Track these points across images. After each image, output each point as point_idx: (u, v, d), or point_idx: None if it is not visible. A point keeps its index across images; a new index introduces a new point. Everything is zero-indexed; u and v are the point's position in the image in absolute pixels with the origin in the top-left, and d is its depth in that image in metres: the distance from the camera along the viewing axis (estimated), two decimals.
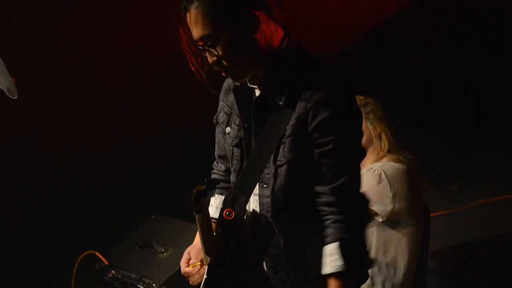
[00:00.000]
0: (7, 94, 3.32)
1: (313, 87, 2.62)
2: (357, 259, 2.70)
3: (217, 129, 3.03)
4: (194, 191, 2.62)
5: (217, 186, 3.13)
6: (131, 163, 7.14)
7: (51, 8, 6.16)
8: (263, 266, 2.91)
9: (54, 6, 6.18)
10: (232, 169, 2.93)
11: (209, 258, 2.79)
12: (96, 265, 4.98)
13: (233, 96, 2.88)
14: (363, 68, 7.24)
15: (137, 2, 6.84)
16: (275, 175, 2.72)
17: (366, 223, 2.79)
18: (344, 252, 2.66)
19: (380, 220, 3.90)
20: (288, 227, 2.76)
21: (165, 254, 4.77)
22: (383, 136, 4.01)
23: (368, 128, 3.98)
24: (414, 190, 3.98)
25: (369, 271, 2.95)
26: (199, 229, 2.77)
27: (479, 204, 5.88)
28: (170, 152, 7.25)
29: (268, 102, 2.70)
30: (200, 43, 2.63)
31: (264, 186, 2.77)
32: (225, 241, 2.77)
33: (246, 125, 2.82)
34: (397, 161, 3.97)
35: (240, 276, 2.86)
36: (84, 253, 5.05)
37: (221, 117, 2.96)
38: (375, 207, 3.84)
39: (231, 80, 2.88)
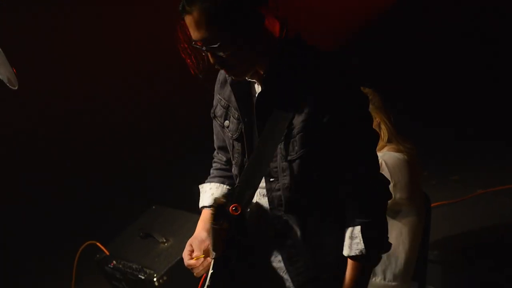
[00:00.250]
0: (8, 84, 3.32)
1: (318, 79, 2.62)
2: (378, 243, 2.77)
3: (214, 121, 3.02)
4: (214, 205, 2.58)
5: (218, 175, 3.13)
6: (132, 154, 7.16)
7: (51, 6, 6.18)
8: (270, 260, 2.91)
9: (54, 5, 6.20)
10: (233, 162, 2.93)
11: (214, 253, 2.79)
12: (97, 256, 4.99)
13: (229, 89, 2.86)
14: (360, 59, 7.24)
15: (136, 2, 6.86)
16: (289, 169, 2.71)
17: (387, 206, 2.80)
18: (366, 235, 2.70)
19: None
20: (304, 219, 2.77)
21: (166, 244, 4.77)
22: (383, 126, 4.01)
23: None
24: (415, 179, 3.98)
25: None
26: (212, 231, 2.77)
27: (480, 194, 5.89)
28: (171, 142, 7.26)
29: (271, 97, 2.69)
30: (203, 45, 2.58)
31: (272, 180, 2.77)
32: (231, 237, 2.76)
33: (246, 119, 2.81)
34: (397, 150, 3.97)
35: (245, 270, 2.86)
36: (85, 244, 5.05)
37: (219, 110, 2.94)
38: None
39: (224, 73, 2.87)
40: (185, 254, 2.96)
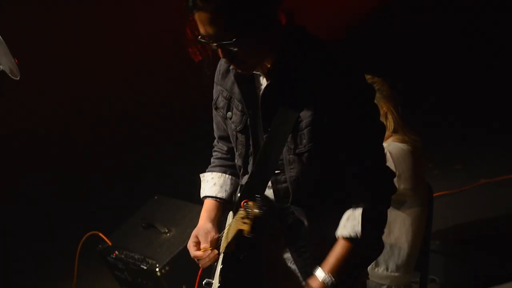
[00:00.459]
0: (10, 75, 3.31)
1: (326, 73, 2.61)
2: (375, 231, 2.73)
3: (214, 112, 3.00)
4: (251, 217, 2.54)
5: (220, 164, 3.12)
6: (135, 144, 7.16)
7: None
8: (278, 251, 2.90)
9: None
10: (237, 153, 2.92)
11: (225, 247, 2.77)
12: (100, 246, 4.98)
13: (231, 81, 2.85)
14: (365, 48, 7.22)
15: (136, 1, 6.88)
16: (297, 162, 2.71)
17: (390, 200, 2.78)
18: (366, 219, 2.66)
19: None
20: (311, 210, 2.76)
21: (168, 234, 4.77)
22: (389, 116, 3.99)
23: None
24: (419, 170, 3.97)
25: None
26: (232, 234, 2.73)
27: (482, 184, 5.88)
28: (173, 133, 7.26)
29: (278, 91, 2.68)
30: (214, 41, 2.56)
31: (277, 172, 2.76)
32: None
33: (251, 112, 2.80)
34: (402, 141, 3.96)
35: (253, 262, 2.85)
36: (88, 234, 5.05)
37: (220, 101, 2.92)
38: None
39: (225, 65, 2.86)
40: (191, 246, 2.94)
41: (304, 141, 2.66)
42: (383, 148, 2.77)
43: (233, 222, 2.73)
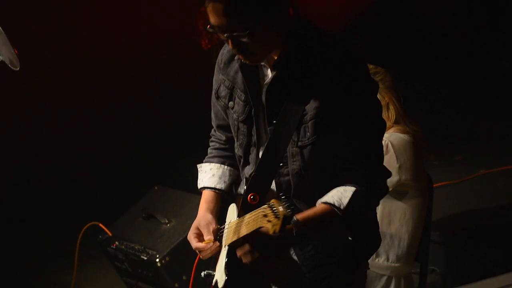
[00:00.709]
0: (10, 66, 3.30)
1: (331, 66, 2.62)
2: (355, 215, 2.69)
3: (214, 101, 2.99)
4: (279, 216, 2.47)
5: (218, 154, 3.11)
6: (135, 134, 7.17)
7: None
8: None
9: None
10: (238, 143, 2.92)
11: (233, 241, 2.76)
12: (100, 236, 4.98)
13: (234, 70, 2.85)
14: (368, 38, 7.22)
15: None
16: (299, 155, 2.71)
17: (381, 195, 2.79)
18: (354, 201, 2.65)
19: None
20: (312, 204, 2.75)
21: (168, 225, 4.77)
22: (391, 107, 3.99)
23: None
24: (420, 161, 3.97)
25: None
26: (245, 225, 2.70)
27: (482, 175, 5.89)
28: (174, 124, 7.27)
29: (284, 83, 2.69)
30: (227, 31, 2.56)
31: (281, 164, 2.76)
32: None
33: (254, 102, 2.80)
34: (404, 132, 3.96)
35: None
36: (88, 225, 5.05)
37: (222, 91, 2.92)
38: None
39: (228, 54, 2.86)
40: (192, 237, 2.93)
41: (308, 134, 2.66)
42: (382, 146, 2.78)
43: (251, 219, 2.67)
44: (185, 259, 4.35)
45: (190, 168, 3.14)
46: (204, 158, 3.16)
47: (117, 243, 4.85)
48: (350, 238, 2.76)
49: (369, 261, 3.00)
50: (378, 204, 2.86)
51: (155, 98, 7.39)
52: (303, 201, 2.76)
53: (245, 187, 2.82)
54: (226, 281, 2.76)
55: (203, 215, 2.98)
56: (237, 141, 2.92)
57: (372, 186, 2.71)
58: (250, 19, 2.52)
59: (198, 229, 2.94)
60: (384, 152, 3.81)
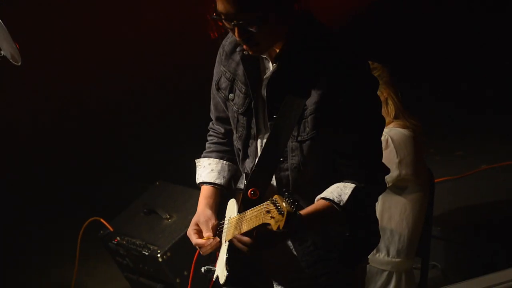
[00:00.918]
0: (11, 61, 3.30)
1: (332, 61, 2.62)
2: (355, 213, 2.69)
3: (214, 92, 2.98)
4: (283, 212, 2.43)
5: (216, 149, 3.08)
6: (136, 130, 7.16)
7: None
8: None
9: None
10: (237, 135, 2.90)
11: (230, 237, 2.75)
12: (101, 232, 4.99)
13: (235, 62, 2.84)
14: (367, 34, 7.22)
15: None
16: (299, 150, 2.71)
17: (381, 190, 2.79)
18: (354, 197, 2.65)
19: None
20: (311, 199, 2.75)
21: (169, 220, 4.77)
22: (390, 102, 3.99)
23: None
24: (420, 156, 3.98)
25: None
26: (246, 220, 2.68)
27: (483, 170, 5.88)
28: (175, 119, 7.26)
29: (285, 76, 2.68)
30: (235, 19, 2.55)
31: (281, 159, 2.75)
32: None
33: (254, 95, 2.79)
34: (404, 127, 3.96)
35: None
36: (89, 220, 5.05)
37: (223, 82, 2.91)
38: None
39: (230, 46, 2.86)
40: (191, 233, 2.91)
41: (307, 129, 2.66)
42: (381, 142, 2.77)
43: (253, 215, 2.65)
44: (187, 255, 4.33)
45: (191, 164, 3.12)
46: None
47: (118, 238, 4.85)
48: (348, 234, 2.76)
49: (369, 256, 3.00)
50: (377, 201, 2.87)
51: (156, 94, 7.39)
52: (301, 196, 2.74)
53: (245, 182, 2.81)
54: (227, 277, 2.76)
55: (203, 210, 2.96)
56: (236, 133, 2.90)
57: (371, 183, 2.71)
58: (261, 8, 2.52)
59: (197, 225, 2.93)
60: (384, 147, 3.83)
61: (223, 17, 2.58)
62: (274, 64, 2.72)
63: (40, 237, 6.06)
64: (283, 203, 2.44)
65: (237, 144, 2.92)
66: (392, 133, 3.92)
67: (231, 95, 2.88)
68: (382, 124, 2.76)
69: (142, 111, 7.33)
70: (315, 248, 2.80)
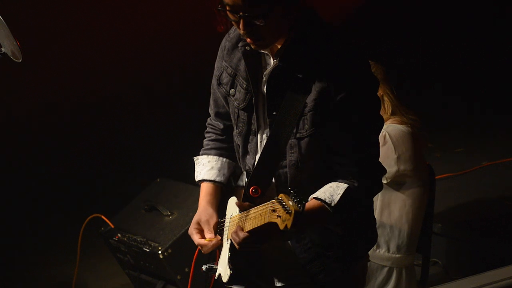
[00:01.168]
0: (12, 58, 3.30)
1: (332, 58, 2.62)
2: (345, 214, 2.68)
3: (215, 87, 2.97)
4: (290, 211, 2.41)
5: (215, 146, 3.07)
6: (137, 127, 7.16)
7: None
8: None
9: None
10: (237, 131, 2.89)
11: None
12: (102, 229, 4.98)
13: (237, 58, 2.84)
14: (364, 32, 7.22)
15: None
16: (297, 147, 2.70)
17: (375, 191, 2.78)
18: (345, 198, 2.63)
19: (385, 182, 3.91)
20: (309, 196, 2.74)
21: (170, 217, 4.77)
22: (386, 98, 3.99)
23: None
24: (419, 151, 3.98)
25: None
26: (250, 220, 2.67)
27: (484, 166, 5.88)
28: (175, 116, 7.26)
29: (286, 73, 2.68)
30: (241, 12, 2.55)
31: (281, 157, 2.75)
32: None
33: (255, 91, 2.79)
34: (401, 122, 3.96)
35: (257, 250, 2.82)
36: (90, 217, 5.05)
37: (224, 78, 2.90)
38: None
39: (232, 41, 2.85)
40: (193, 232, 2.90)
41: (306, 126, 2.66)
42: (378, 142, 2.77)
43: (257, 214, 2.62)
44: (188, 251, 4.33)
45: (192, 160, 3.12)
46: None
47: (119, 235, 4.84)
48: (339, 233, 2.75)
49: (369, 252, 3.00)
50: (371, 201, 2.85)
51: (157, 90, 7.39)
52: (302, 192, 2.75)
53: (246, 179, 2.81)
54: (231, 275, 2.76)
55: (204, 209, 2.95)
56: (236, 128, 2.89)
57: (365, 183, 2.70)
58: (268, 2, 2.52)
59: (199, 224, 2.91)
60: (382, 144, 3.83)
61: (228, 9, 2.57)
62: (275, 60, 2.72)
63: (41, 234, 6.06)
64: (290, 202, 2.41)
65: (237, 140, 2.91)
66: (389, 129, 3.93)
67: (232, 91, 2.87)
68: (380, 124, 2.76)
69: (144, 108, 7.33)
70: (312, 246, 2.80)
